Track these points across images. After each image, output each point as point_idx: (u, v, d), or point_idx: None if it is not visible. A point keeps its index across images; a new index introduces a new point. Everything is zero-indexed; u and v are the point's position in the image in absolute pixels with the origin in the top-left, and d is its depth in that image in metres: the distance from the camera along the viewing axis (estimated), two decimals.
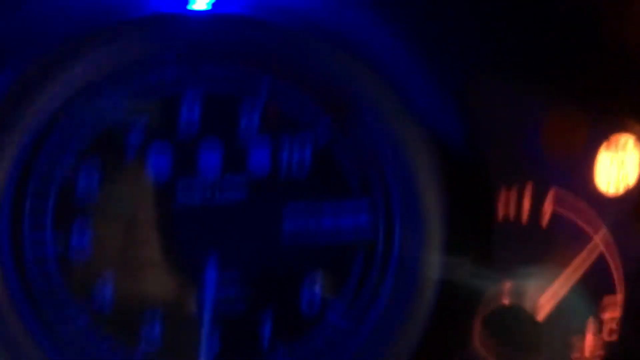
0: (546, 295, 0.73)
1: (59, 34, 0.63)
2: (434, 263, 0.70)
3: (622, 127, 0.73)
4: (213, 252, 0.68)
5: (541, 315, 0.73)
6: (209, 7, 0.67)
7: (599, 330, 0.75)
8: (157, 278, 0.68)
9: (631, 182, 0.74)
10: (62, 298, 0.66)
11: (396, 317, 0.71)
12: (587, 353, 0.75)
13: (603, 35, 0.69)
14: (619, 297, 0.74)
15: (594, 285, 0.74)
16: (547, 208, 0.72)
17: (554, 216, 0.73)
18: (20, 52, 0.63)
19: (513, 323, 0.72)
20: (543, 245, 0.73)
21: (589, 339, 0.74)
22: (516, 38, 0.70)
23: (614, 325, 0.75)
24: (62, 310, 0.66)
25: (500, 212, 0.72)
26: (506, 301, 0.73)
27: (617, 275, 0.74)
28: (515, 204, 0.72)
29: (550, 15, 0.70)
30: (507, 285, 0.73)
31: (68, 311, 0.66)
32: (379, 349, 0.71)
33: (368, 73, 0.69)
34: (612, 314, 0.75)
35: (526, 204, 0.72)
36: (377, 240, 0.72)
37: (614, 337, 0.75)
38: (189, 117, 0.67)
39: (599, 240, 0.74)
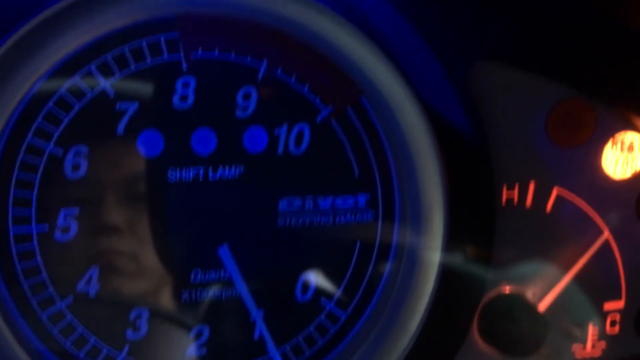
0: (548, 284, 0.72)
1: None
2: (434, 250, 0.68)
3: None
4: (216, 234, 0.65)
5: (543, 305, 0.71)
6: None
7: (602, 321, 0.73)
8: (147, 260, 0.64)
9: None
10: (44, 277, 0.62)
11: (394, 304, 0.68)
12: (588, 345, 0.73)
13: (611, 31, 0.68)
14: (623, 287, 0.73)
15: (598, 275, 0.72)
16: (552, 194, 0.71)
17: (558, 203, 0.71)
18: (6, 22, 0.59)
19: (514, 313, 0.70)
20: (546, 233, 0.71)
21: (591, 331, 0.73)
22: (525, 32, 0.69)
23: (616, 317, 0.73)
24: (44, 291, 0.62)
25: (504, 199, 0.70)
26: (507, 290, 0.71)
27: (621, 265, 0.73)
28: (519, 191, 0.70)
29: (559, 10, 0.68)
30: (509, 274, 0.71)
31: (50, 292, 0.62)
32: (376, 336, 0.68)
33: (373, 62, 0.66)
34: (614, 305, 0.73)
35: (531, 191, 0.70)
36: (375, 226, 0.69)
37: (616, 329, 0.73)
38: (183, 93, 0.64)
39: (604, 228, 0.72)
